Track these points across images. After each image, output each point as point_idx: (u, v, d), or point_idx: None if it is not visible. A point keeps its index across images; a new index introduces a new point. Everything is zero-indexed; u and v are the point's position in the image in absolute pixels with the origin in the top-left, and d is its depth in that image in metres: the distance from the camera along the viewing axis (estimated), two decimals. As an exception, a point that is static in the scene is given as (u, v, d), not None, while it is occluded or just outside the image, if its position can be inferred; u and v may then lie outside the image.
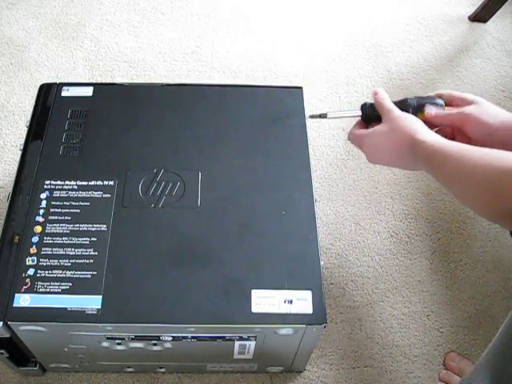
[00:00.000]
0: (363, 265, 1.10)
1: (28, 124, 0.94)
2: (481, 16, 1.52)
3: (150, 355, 0.86)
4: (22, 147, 0.91)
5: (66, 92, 0.98)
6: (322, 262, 0.82)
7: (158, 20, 1.48)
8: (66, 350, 0.84)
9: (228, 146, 0.93)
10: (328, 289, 1.06)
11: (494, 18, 1.52)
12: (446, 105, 0.84)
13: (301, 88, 1.02)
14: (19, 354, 0.87)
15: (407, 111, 0.82)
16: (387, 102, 0.83)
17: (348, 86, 1.37)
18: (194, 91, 1.00)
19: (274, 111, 0.98)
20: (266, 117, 0.97)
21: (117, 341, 0.81)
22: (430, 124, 0.82)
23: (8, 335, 0.78)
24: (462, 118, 0.81)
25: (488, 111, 0.81)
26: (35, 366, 0.91)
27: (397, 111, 0.81)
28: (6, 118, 1.26)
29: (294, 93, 1.01)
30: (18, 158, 0.90)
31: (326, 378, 0.98)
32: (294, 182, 0.89)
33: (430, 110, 0.84)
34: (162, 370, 0.95)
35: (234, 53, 1.42)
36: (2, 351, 0.83)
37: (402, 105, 0.83)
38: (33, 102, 0.97)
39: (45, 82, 1.00)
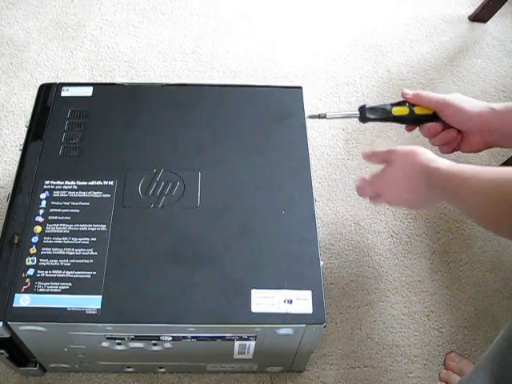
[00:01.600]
0: (363, 265, 1.10)
1: (28, 124, 0.94)
2: (481, 16, 1.52)
3: (149, 355, 0.86)
4: (21, 147, 0.91)
5: (66, 92, 0.98)
6: (321, 262, 0.82)
7: (158, 20, 1.48)
8: (65, 350, 0.84)
9: (228, 146, 0.93)
10: (328, 289, 1.06)
11: (494, 17, 1.52)
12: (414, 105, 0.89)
13: (301, 88, 1.02)
14: (19, 354, 0.87)
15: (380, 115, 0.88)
16: (384, 150, 0.86)
17: (348, 86, 1.37)
18: (193, 91, 1.00)
19: (273, 111, 0.98)
20: (265, 117, 0.97)
21: (117, 341, 0.81)
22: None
23: (8, 335, 0.78)
24: (440, 104, 0.86)
25: (466, 99, 0.86)
26: (35, 366, 0.91)
27: (400, 148, 0.83)
28: (6, 118, 1.26)
29: (294, 93, 1.01)
30: (18, 158, 0.90)
31: (325, 377, 0.98)
32: (293, 182, 0.89)
33: (407, 91, 0.89)
34: (162, 369, 0.95)
35: (233, 53, 1.42)
36: (2, 351, 0.83)
37: (374, 110, 0.88)
38: (33, 102, 0.97)
39: (45, 82, 1.01)
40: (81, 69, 1.36)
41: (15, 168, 0.89)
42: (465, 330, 1.03)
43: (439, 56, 1.46)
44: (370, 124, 0.94)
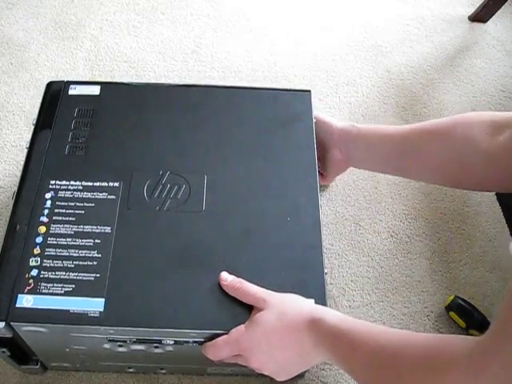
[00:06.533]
0: (363, 265, 1.10)
1: (34, 122, 0.94)
2: (481, 16, 1.52)
3: (150, 357, 0.86)
4: (27, 145, 0.91)
5: (73, 90, 0.97)
6: (325, 270, 0.82)
7: (158, 20, 1.47)
8: (67, 350, 0.84)
9: (234, 149, 0.93)
10: (328, 289, 1.06)
11: (494, 18, 1.52)
12: None
13: (309, 91, 1.01)
14: (21, 353, 0.87)
15: None
16: (251, 292, 0.77)
17: (348, 86, 1.38)
18: (201, 92, 1.00)
19: (281, 114, 0.97)
20: (273, 120, 0.96)
21: (118, 343, 0.81)
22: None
23: (10, 335, 0.78)
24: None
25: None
26: (36, 365, 0.91)
27: (275, 294, 0.77)
28: (6, 118, 1.25)
29: (302, 96, 1.01)
30: (18, 158, 0.90)
31: (325, 377, 0.98)
32: (300, 188, 0.89)
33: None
34: (163, 371, 0.95)
35: (233, 53, 1.42)
36: (4, 350, 0.83)
37: None
38: (33, 102, 0.97)
39: (45, 82, 1.00)
40: (81, 69, 1.36)
41: (15, 168, 0.89)
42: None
43: (439, 56, 1.47)
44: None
